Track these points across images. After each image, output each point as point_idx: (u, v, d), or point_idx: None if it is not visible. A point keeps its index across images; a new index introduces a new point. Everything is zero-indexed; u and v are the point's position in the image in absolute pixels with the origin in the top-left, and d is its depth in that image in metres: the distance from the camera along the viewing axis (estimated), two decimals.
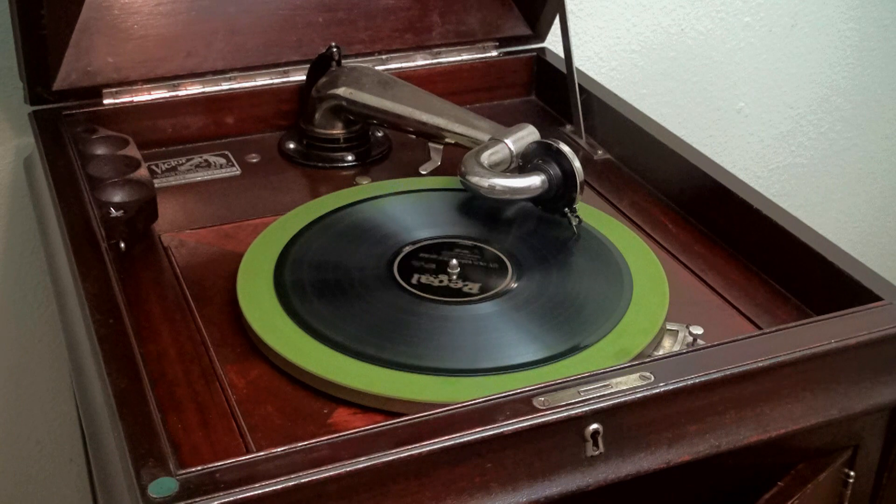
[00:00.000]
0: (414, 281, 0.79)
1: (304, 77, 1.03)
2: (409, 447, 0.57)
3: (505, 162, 0.88)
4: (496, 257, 0.82)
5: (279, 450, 0.57)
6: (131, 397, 0.61)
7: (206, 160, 1.00)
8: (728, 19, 1.41)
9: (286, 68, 1.05)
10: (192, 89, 1.01)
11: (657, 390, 0.63)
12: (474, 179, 0.85)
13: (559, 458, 0.61)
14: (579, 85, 1.04)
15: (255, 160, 1.00)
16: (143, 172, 0.87)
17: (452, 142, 0.95)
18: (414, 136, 0.98)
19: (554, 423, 0.60)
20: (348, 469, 0.56)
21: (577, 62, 1.04)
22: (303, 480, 0.55)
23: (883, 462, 0.76)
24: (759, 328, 0.78)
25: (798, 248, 0.80)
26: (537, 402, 0.61)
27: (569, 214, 0.85)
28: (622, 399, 0.62)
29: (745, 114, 1.49)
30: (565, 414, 0.61)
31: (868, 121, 1.59)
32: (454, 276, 0.79)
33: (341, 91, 0.98)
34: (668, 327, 0.76)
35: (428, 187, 0.93)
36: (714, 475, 0.70)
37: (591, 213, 0.89)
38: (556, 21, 1.09)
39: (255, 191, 0.95)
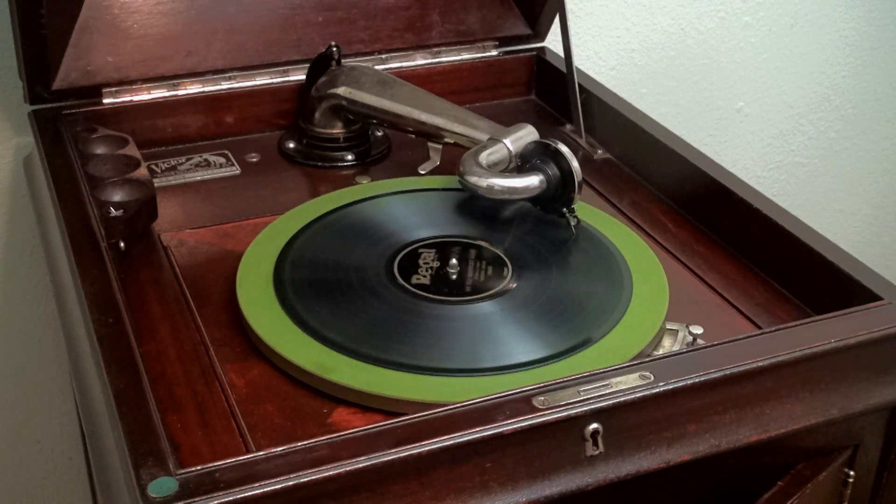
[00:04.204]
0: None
1: (303, 76, 1.03)
2: (409, 447, 0.57)
3: (503, 162, 0.88)
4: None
5: (279, 449, 0.57)
6: (131, 397, 0.61)
7: (205, 159, 1.00)
8: (728, 19, 1.41)
9: (286, 68, 1.05)
10: (192, 89, 1.01)
11: (657, 390, 0.63)
12: (473, 179, 0.85)
13: (559, 458, 0.61)
14: (579, 84, 1.04)
15: (254, 159, 1.00)
16: (142, 172, 0.87)
17: (451, 141, 0.95)
18: (413, 136, 0.98)
19: (554, 423, 0.60)
20: (348, 469, 0.56)
21: (577, 61, 1.04)
22: (302, 480, 0.55)
23: (883, 462, 0.76)
24: (759, 328, 0.78)
25: (798, 248, 0.80)
26: (537, 401, 0.61)
27: (567, 215, 0.85)
28: (622, 399, 0.62)
29: (744, 113, 1.49)
30: (565, 414, 0.61)
31: (868, 121, 1.59)
32: (454, 276, 0.79)
33: (341, 90, 0.98)
34: (668, 327, 0.76)
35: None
36: (714, 475, 0.70)
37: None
38: (556, 20, 1.09)
39: (254, 190, 0.95)
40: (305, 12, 1.06)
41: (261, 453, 0.57)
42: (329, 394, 0.69)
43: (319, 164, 1.00)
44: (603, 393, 0.62)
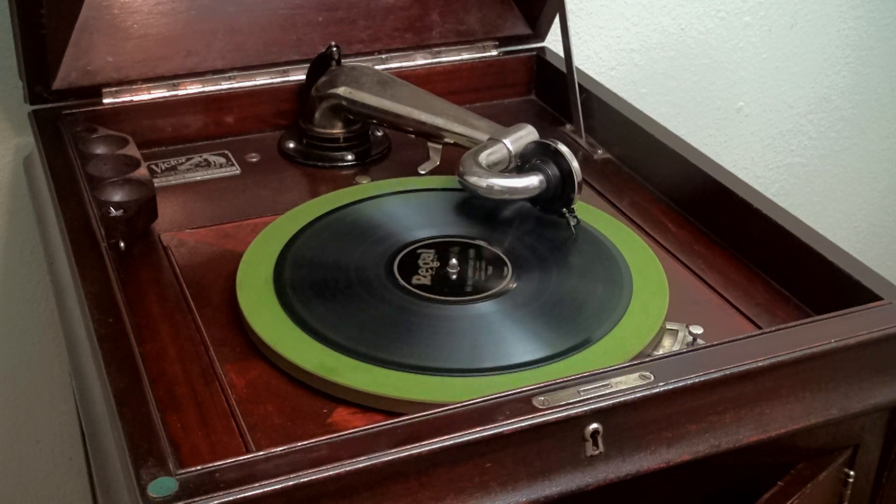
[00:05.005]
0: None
1: (303, 76, 1.03)
2: (409, 447, 0.57)
3: (503, 162, 0.88)
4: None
5: (279, 449, 0.57)
6: (131, 397, 0.61)
7: (205, 159, 1.00)
8: (728, 19, 1.41)
9: (286, 68, 1.05)
10: (192, 89, 1.01)
11: (657, 390, 0.63)
12: (472, 179, 0.85)
13: (559, 458, 0.61)
14: (579, 84, 1.04)
15: (254, 160, 1.00)
16: (142, 172, 0.87)
17: (451, 141, 0.95)
18: (413, 136, 0.98)
19: (554, 423, 0.60)
20: (348, 469, 0.56)
21: (577, 61, 1.04)
22: (302, 480, 0.55)
23: (883, 462, 0.76)
24: (759, 328, 0.78)
25: (798, 248, 0.80)
26: (537, 401, 0.61)
27: (567, 215, 0.85)
28: (622, 399, 0.62)
29: (745, 113, 1.49)
30: (565, 413, 0.61)
31: (868, 121, 1.59)
32: (453, 276, 0.79)
33: (341, 90, 0.98)
34: (668, 327, 0.76)
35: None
36: (714, 475, 0.70)
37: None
38: (556, 20, 1.09)
39: (254, 190, 0.95)
40: (305, 12, 1.06)
41: (261, 453, 0.57)
42: (329, 394, 0.69)
43: (319, 164, 1.00)
44: (603, 393, 0.62)
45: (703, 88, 1.44)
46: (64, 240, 0.78)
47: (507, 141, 0.88)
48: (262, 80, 1.04)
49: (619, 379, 0.63)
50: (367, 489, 0.57)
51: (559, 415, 0.60)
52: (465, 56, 1.12)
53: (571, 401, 0.61)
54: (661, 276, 0.80)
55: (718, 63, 1.43)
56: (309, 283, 0.78)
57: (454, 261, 0.80)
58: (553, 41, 1.13)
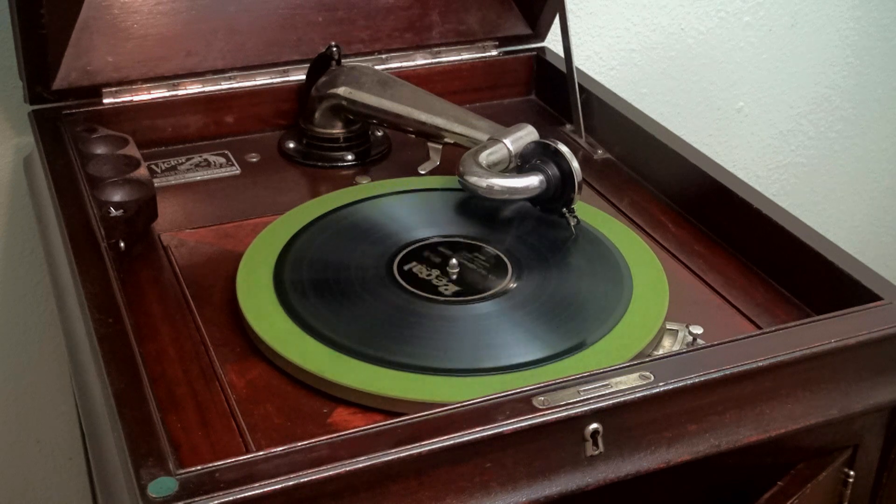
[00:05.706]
0: (413, 280, 0.79)
1: (303, 76, 1.03)
2: (409, 447, 0.57)
3: (503, 162, 0.88)
4: (496, 257, 0.82)
5: (279, 449, 0.57)
6: (131, 397, 0.61)
7: (205, 159, 1.00)
8: (728, 19, 1.41)
9: (286, 67, 1.05)
10: (192, 88, 1.01)
11: (657, 390, 0.63)
12: (472, 179, 0.85)
13: (559, 458, 0.61)
14: (579, 84, 1.04)
15: (254, 159, 1.00)
16: (142, 172, 0.87)
17: (451, 141, 0.95)
18: (413, 136, 0.98)
19: (554, 423, 0.60)
20: (348, 469, 0.56)
21: (577, 61, 1.04)
22: (302, 480, 0.55)
23: (883, 462, 0.76)
24: (759, 328, 0.78)
25: (798, 248, 0.80)
26: (537, 401, 0.61)
27: (567, 215, 0.85)
28: (622, 399, 0.62)
29: (745, 113, 1.49)
30: (565, 413, 0.61)
31: (868, 121, 1.59)
32: (454, 276, 0.79)
33: (341, 90, 0.98)
34: (668, 327, 0.76)
35: (427, 187, 0.93)
36: (714, 475, 0.70)
37: (590, 213, 0.89)
38: (556, 20, 1.09)
39: (254, 190, 0.95)
40: (305, 12, 1.06)
41: (261, 453, 0.57)
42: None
43: (319, 164, 1.00)
44: (603, 393, 0.62)
45: (703, 88, 1.44)
46: (64, 240, 0.78)
47: (507, 141, 0.88)
48: (262, 80, 1.04)
49: (619, 379, 0.63)
50: (367, 489, 0.57)
51: (559, 415, 0.60)
52: (465, 56, 1.12)
53: (571, 401, 0.61)
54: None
55: (718, 63, 1.43)
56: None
57: (454, 261, 0.80)
58: (553, 41, 1.13)
